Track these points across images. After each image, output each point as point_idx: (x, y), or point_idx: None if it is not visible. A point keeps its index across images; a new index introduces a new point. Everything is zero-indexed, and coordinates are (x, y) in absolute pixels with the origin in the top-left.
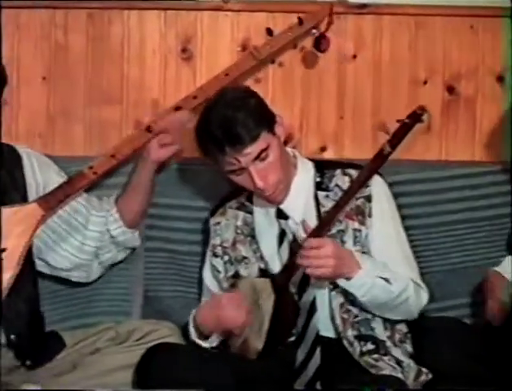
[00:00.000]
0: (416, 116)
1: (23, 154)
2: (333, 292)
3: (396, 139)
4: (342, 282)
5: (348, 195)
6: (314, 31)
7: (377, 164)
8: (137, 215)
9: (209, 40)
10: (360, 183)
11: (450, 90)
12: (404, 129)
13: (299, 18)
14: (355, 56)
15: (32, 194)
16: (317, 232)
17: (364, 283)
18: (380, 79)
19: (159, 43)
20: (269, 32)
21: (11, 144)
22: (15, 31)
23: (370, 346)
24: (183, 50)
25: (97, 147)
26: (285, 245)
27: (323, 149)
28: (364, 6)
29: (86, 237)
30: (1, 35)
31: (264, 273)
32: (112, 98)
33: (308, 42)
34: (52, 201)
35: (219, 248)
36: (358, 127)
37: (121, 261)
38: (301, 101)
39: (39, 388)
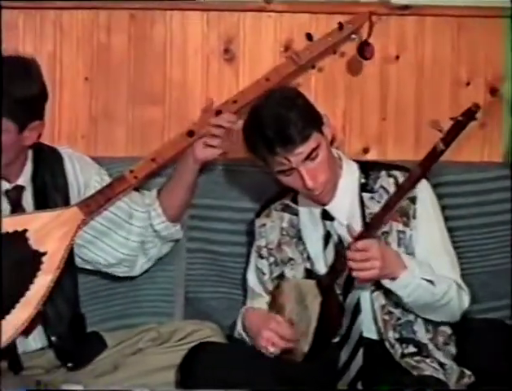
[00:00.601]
0: (470, 114)
1: (64, 155)
2: (375, 294)
3: (450, 137)
4: (386, 282)
5: (399, 193)
6: (354, 36)
7: (430, 162)
8: (178, 210)
9: (251, 41)
10: (413, 182)
11: (493, 91)
12: (458, 126)
13: (340, 23)
14: (397, 57)
15: (73, 195)
16: (367, 232)
17: (409, 284)
18: (422, 80)
19: (201, 44)
20: (309, 37)
21: (53, 145)
22: (58, 32)
23: (412, 349)
24: (226, 51)
25: (139, 147)
26: (331, 247)
27: (366, 150)
28: (406, 7)
29: (130, 232)
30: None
31: (310, 274)
32: (154, 99)
33: (347, 47)
34: (93, 205)
35: (265, 249)
36: (400, 128)
37: (165, 255)
38: (343, 103)
39: (82, 388)
